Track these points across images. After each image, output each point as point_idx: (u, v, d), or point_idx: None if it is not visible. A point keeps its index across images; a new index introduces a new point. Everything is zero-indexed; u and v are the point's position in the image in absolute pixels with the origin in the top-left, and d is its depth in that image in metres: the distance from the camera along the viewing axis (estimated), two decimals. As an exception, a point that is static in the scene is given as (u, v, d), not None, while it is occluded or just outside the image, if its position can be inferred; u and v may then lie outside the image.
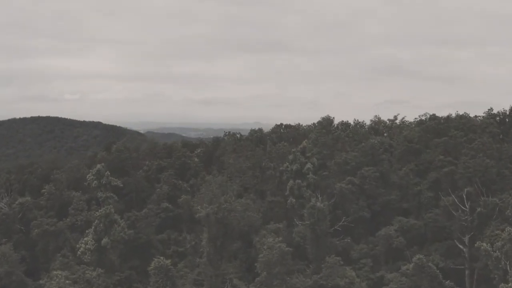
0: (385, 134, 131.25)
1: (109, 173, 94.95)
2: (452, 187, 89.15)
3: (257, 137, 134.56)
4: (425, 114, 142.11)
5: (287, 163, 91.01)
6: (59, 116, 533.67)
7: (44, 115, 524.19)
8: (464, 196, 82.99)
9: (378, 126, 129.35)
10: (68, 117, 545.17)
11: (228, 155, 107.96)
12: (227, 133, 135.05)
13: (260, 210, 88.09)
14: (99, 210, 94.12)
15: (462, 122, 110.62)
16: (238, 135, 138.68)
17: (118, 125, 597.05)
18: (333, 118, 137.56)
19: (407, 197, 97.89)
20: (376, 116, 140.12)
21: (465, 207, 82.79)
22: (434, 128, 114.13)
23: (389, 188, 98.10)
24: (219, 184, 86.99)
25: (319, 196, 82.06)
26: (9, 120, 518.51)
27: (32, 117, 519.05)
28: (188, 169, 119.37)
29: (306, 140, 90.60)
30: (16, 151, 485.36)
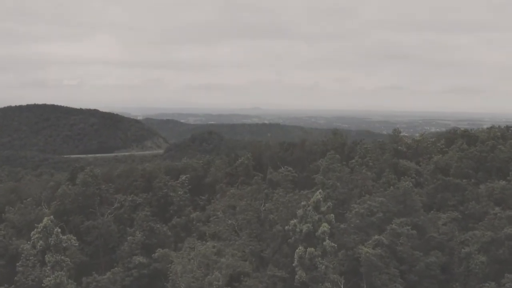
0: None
1: (59, 230, 69.66)
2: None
3: (255, 158, 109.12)
4: (453, 128, 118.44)
5: (295, 221, 65.15)
6: (56, 103, 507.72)
7: (40, 102, 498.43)
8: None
9: (401, 146, 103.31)
10: (65, 105, 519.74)
11: (217, 202, 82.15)
12: (220, 157, 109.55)
13: (258, 289, 62.45)
14: (48, 279, 69.06)
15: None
16: (233, 155, 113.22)
17: (116, 111, 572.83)
18: (345, 137, 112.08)
19: (450, 256, 72.38)
20: (395, 129, 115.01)
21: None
22: (475, 155, 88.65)
23: (426, 245, 72.45)
24: (203, 255, 61.35)
25: (342, 280, 56.42)
26: (4, 108, 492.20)
27: (28, 105, 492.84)
28: (171, 204, 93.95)
29: (320, 191, 65.02)
30: (11, 139, 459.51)
